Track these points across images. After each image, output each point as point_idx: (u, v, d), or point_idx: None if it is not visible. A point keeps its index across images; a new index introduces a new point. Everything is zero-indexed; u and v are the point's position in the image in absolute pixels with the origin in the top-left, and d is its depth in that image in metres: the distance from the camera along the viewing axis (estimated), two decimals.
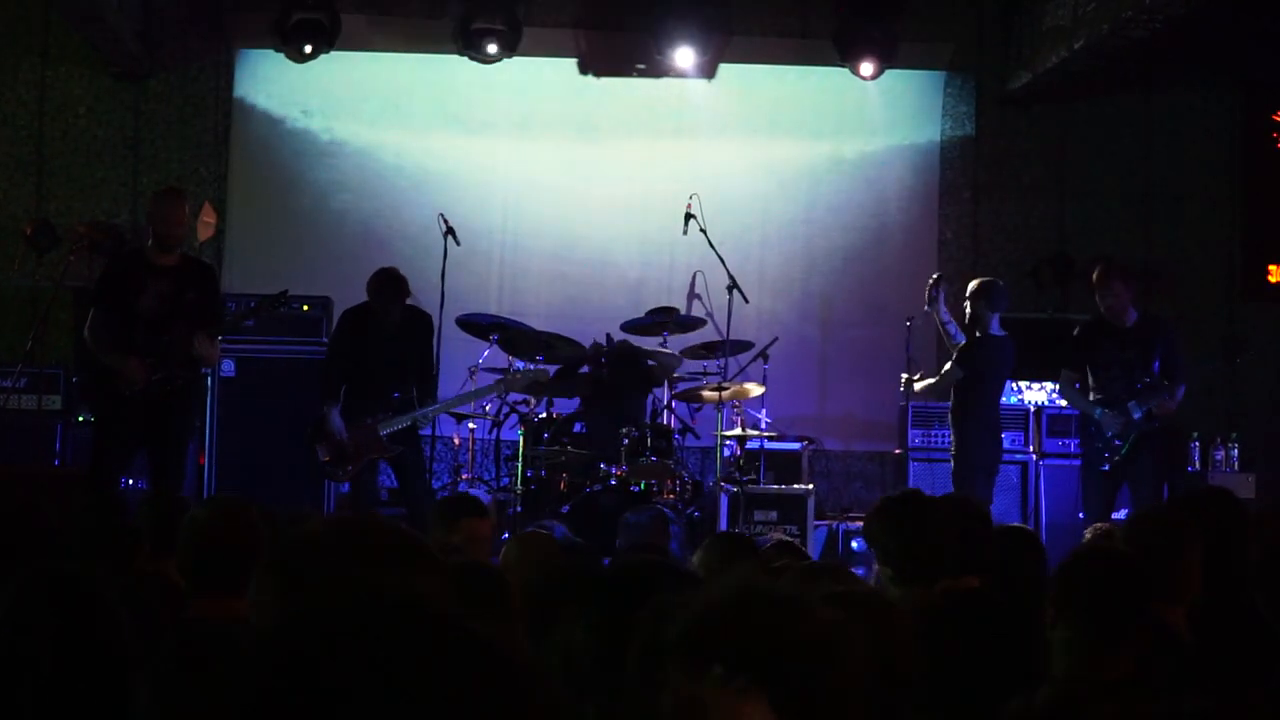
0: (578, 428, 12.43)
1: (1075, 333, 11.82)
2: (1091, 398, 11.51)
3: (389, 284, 11.47)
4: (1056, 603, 4.38)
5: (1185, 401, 11.64)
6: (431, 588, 2.27)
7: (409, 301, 11.69)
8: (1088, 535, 7.33)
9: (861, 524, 12.92)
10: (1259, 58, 14.74)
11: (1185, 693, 4.30)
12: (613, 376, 12.50)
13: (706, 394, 12.60)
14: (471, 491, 12.02)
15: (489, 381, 12.14)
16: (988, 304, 11.91)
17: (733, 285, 12.65)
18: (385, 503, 12.42)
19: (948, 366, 11.95)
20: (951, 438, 12.12)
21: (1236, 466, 13.76)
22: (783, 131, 15.07)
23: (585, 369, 12.93)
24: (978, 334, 11.89)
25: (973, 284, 12.14)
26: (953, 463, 11.95)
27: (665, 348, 12.85)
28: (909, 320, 12.62)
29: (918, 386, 12.20)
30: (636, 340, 12.87)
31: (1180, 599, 5.10)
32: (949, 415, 12.14)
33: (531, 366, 12.27)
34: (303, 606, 2.18)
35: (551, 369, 12.62)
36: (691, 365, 13.23)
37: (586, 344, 12.99)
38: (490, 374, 12.36)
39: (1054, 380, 13.40)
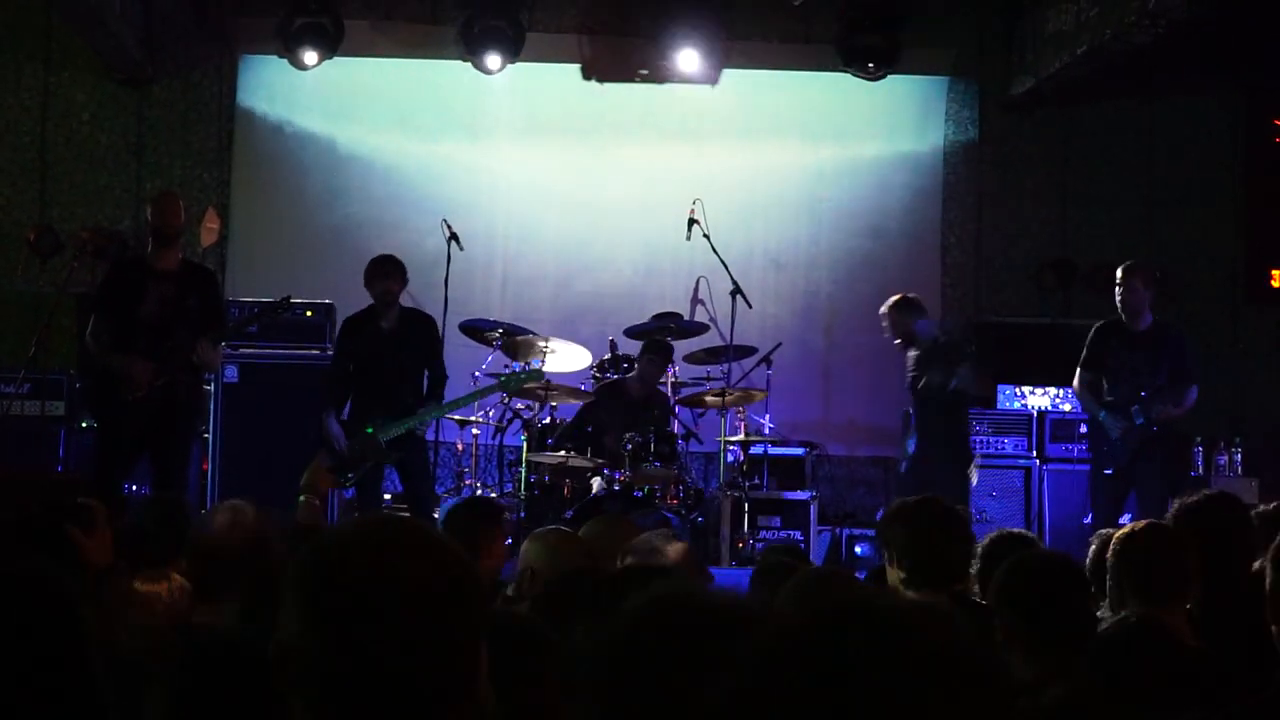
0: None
1: (1090, 334, 11.81)
2: (1101, 400, 11.52)
3: (379, 264, 11.44)
4: (996, 616, 4.43)
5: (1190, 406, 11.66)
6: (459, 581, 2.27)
7: (411, 305, 11.69)
8: (1093, 542, 7.33)
9: (865, 529, 12.97)
10: (1261, 62, 14.74)
11: (1187, 697, 4.30)
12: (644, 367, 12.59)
13: (709, 399, 12.61)
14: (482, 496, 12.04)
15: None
16: (913, 316, 12.03)
17: (736, 290, 12.66)
18: (389, 507, 12.41)
19: (961, 371, 11.87)
20: (919, 439, 12.02)
21: (1239, 471, 13.74)
22: (785, 136, 15.08)
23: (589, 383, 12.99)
24: (930, 340, 12.00)
25: (888, 306, 12.17)
26: (918, 464, 11.87)
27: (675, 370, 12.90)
28: None
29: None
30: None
31: (1177, 602, 5.11)
32: (917, 417, 12.07)
33: (529, 367, 12.26)
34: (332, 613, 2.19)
35: (543, 367, 12.57)
36: (695, 370, 13.24)
37: (589, 349, 13.01)
38: (493, 379, 12.36)
39: (1057, 385, 13.43)
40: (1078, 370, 11.76)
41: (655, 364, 12.65)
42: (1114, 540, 5.36)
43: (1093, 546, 6.96)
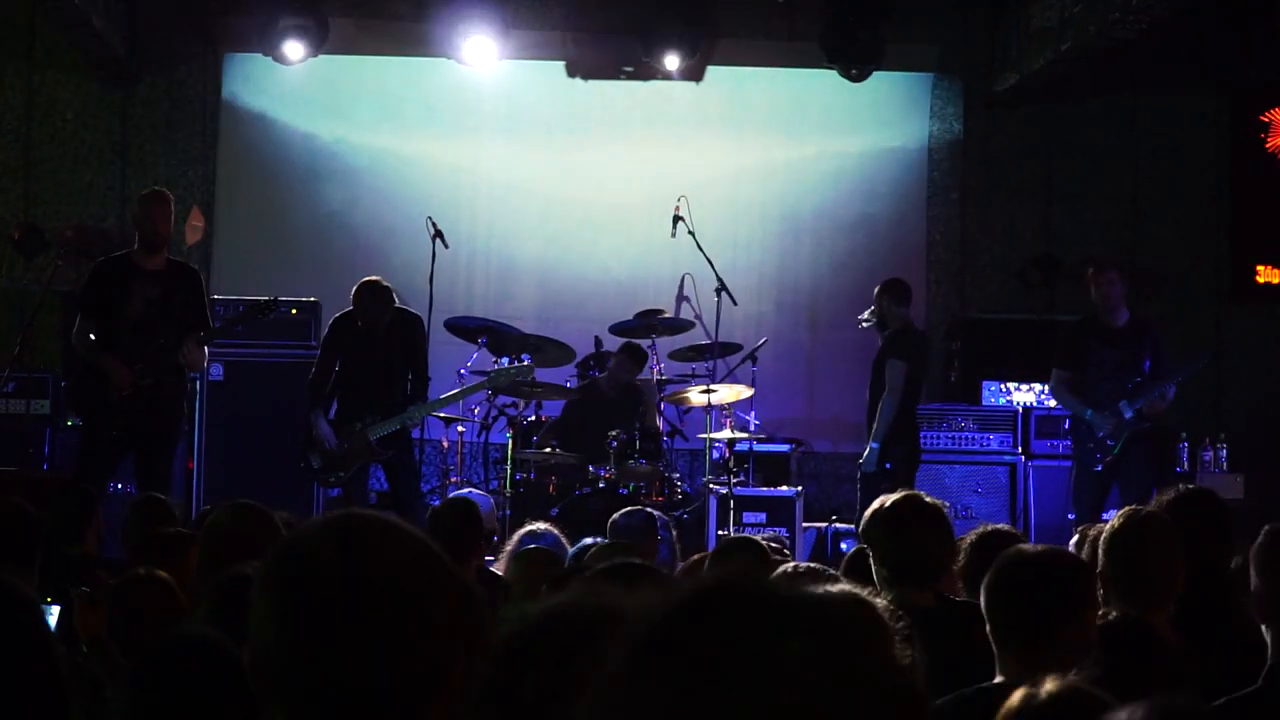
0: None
1: (1065, 332, 11.81)
2: (1082, 398, 11.52)
3: (374, 297, 11.43)
4: (985, 612, 4.43)
5: (1174, 402, 11.67)
6: (435, 583, 2.25)
7: (399, 305, 11.70)
8: (1075, 537, 7.34)
9: (851, 525, 12.96)
10: (1245, 59, 14.75)
11: (1171, 695, 4.29)
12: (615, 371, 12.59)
13: (695, 396, 12.61)
14: (466, 493, 11.99)
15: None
16: (894, 300, 12.00)
17: (721, 288, 12.66)
18: (374, 506, 12.39)
19: (892, 364, 11.89)
20: (871, 430, 11.97)
21: (1225, 467, 13.75)
22: (770, 134, 15.07)
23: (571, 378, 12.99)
24: (902, 326, 11.98)
25: (880, 285, 12.22)
26: (874, 457, 11.80)
27: (652, 348, 12.89)
28: None
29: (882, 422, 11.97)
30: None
31: (1164, 602, 5.10)
32: (870, 407, 12.03)
33: (517, 363, 12.25)
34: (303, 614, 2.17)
35: (534, 366, 12.56)
36: (680, 367, 13.24)
37: (575, 346, 13.01)
38: (478, 376, 12.36)
39: (1042, 381, 13.41)
40: (1054, 370, 11.76)
41: (623, 365, 12.67)
42: (1102, 538, 5.35)
43: (1072, 542, 6.96)
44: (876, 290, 12.19)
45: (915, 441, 12.16)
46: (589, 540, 7.46)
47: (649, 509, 11.45)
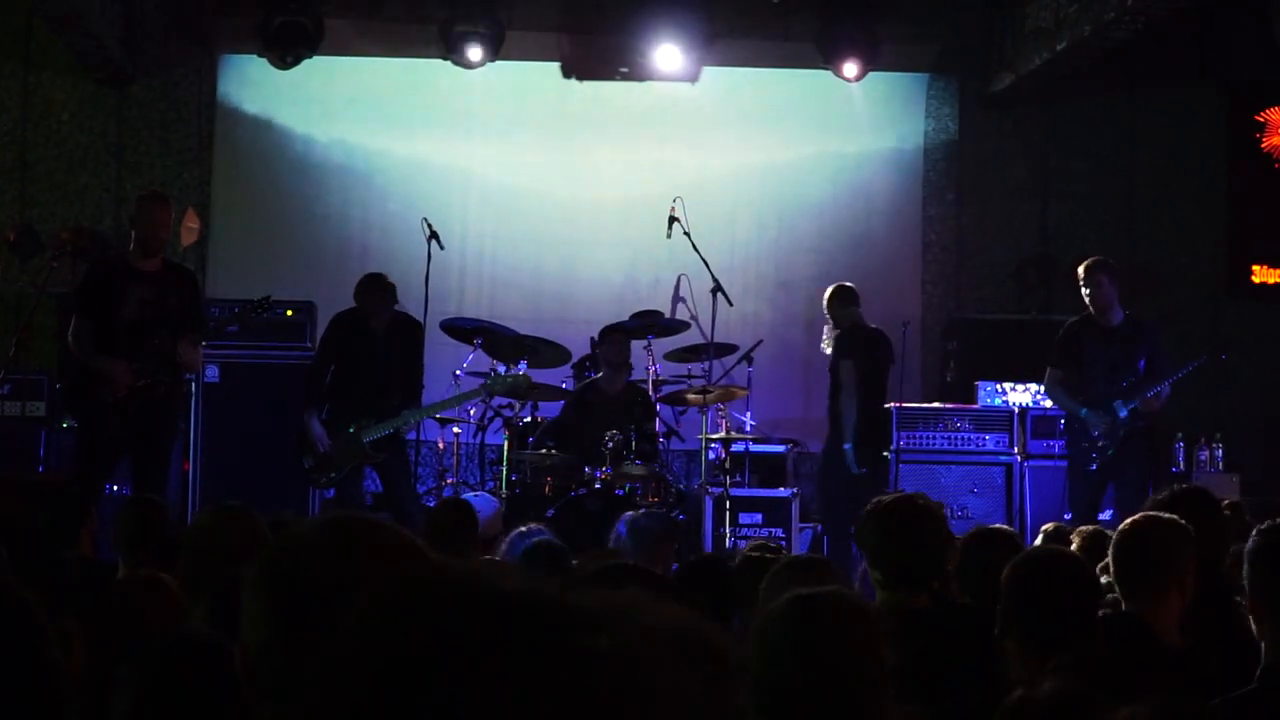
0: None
1: (1060, 332, 11.83)
2: (1077, 397, 11.55)
3: (376, 289, 11.47)
4: (1000, 610, 4.43)
5: (1170, 401, 11.66)
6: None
7: (397, 308, 11.70)
8: (1039, 538, 7.35)
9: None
10: (1241, 58, 14.76)
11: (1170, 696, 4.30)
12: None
13: (691, 397, 12.60)
14: (475, 495, 11.96)
15: (472, 386, 12.14)
16: (841, 303, 12.04)
17: (716, 288, 12.65)
18: (370, 508, 12.38)
19: (842, 364, 11.95)
20: (830, 431, 12.02)
21: (1221, 466, 13.76)
22: (766, 134, 15.08)
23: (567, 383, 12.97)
24: (850, 325, 12.02)
25: (827, 292, 12.26)
26: (851, 458, 11.82)
27: (648, 349, 12.88)
28: (905, 324, 12.72)
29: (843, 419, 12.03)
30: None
31: (1170, 602, 5.09)
32: (831, 411, 12.06)
33: (517, 370, 12.24)
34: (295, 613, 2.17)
35: (528, 371, 12.54)
36: (676, 368, 13.23)
37: (570, 347, 12.99)
38: (474, 378, 12.35)
39: (1039, 381, 13.42)
40: (1048, 369, 11.78)
41: (612, 345, 12.53)
42: (1116, 534, 5.35)
43: (1036, 542, 6.98)
44: (825, 301, 12.24)
45: (878, 439, 12.21)
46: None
47: (662, 510, 11.44)
